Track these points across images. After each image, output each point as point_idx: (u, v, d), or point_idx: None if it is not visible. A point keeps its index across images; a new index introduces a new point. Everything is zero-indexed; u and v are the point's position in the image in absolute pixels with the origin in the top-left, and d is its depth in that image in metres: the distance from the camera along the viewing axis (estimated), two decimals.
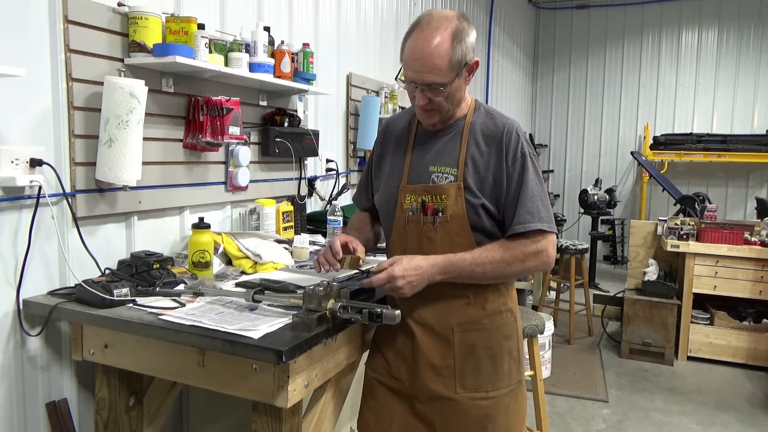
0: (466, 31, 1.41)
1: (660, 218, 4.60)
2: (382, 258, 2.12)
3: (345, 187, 3.14)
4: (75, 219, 1.72)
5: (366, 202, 1.77)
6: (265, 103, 2.54)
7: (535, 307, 4.66)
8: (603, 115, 7.70)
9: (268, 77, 2.24)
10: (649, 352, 4.15)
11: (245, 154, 2.34)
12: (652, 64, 7.40)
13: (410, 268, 1.40)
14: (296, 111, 2.75)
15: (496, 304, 1.54)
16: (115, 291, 1.52)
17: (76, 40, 1.69)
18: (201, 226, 1.86)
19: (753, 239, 4.00)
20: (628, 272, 4.60)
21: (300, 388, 1.39)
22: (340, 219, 2.46)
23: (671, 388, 3.71)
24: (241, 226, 2.45)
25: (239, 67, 2.11)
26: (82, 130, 1.73)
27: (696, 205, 4.78)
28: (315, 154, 2.78)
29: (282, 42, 2.39)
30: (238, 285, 1.73)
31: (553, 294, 5.07)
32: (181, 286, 1.70)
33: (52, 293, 1.63)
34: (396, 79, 1.51)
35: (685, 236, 4.09)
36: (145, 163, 1.83)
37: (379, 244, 2.39)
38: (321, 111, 3.05)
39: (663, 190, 6.15)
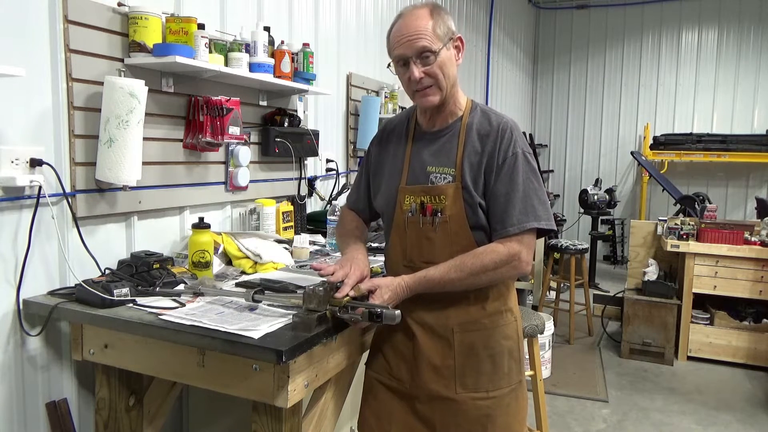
0: (442, 12, 1.49)
1: (660, 218, 4.60)
2: (381, 259, 2.13)
3: (345, 187, 3.13)
4: (75, 219, 1.72)
5: (357, 203, 1.76)
6: (265, 103, 2.54)
7: (535, 307, 4.66)
8: (603, 115, 7.71)
9: (268, 77, 2.24)
10: (649, 352, 4.15)
11: (245, 154, 2.34)
12: (652, 64, 7.40)
13: (386, 295, 1.42)
14: (296, 111, 2.75)
15: (496, 304, 1.54)
16: (115, 291, 1.52)
17: (76, 40, 1.69)
18: (201, 226, 1.86)
19: (753, 239, 4.00)
20: (628, 272, 4.60)
21: (300, 388, 1.39)
22: None
23: (671, 388, 3.71)
24: (241, 226, 2.45)
25: (239, 67, 2.11)
26: (82, 130, 1.73)
27: (696, 205, 4.78)
28: (315, 154, 2.78)
29: (282, 42, 2.39)
30: (238, 285, 1.73)
31: (553, 294, 5.07)
32: (181, 286, 1.70)
33: (52, 293, 1.63)
34: (387, 66, 1.54)
35: (685, 236, 4.09)
36: (145, 163, 1.83)
37: (378, 245, 2.40)
38: (321, 111, 3.05)
39: (663, 190, 6.15)
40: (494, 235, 1.47)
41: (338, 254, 1.90)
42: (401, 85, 1.54)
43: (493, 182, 1.46)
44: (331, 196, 3.04)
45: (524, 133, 1.57)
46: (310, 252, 2.28)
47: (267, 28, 2.31)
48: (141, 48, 1.81)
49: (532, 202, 1.45)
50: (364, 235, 1.74)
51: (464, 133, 1.50)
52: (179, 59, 1.79)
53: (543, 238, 4.77)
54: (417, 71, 1.45)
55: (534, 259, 1.50)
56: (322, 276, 1.48)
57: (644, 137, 7.14)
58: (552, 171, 8.01)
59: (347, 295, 1.40)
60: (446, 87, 1.49)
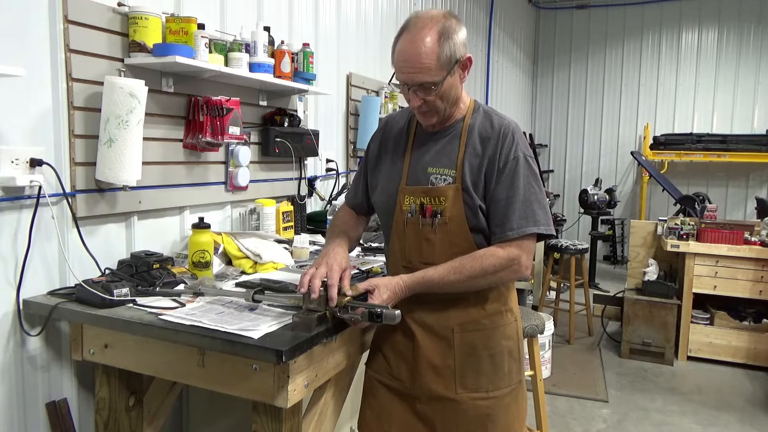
0: (453, 29, 1.41)
1: (660, 218, 4.60)
2: (382, 258, 2.13)
3: (345, 187, 3.13)
4: (75, 219, 1.72)
5: (355, 198, 1.76)
6: (265, 103, 2.54)
7: (535, 307, 4.66)
8: (603, 115, 7.70)
9: (268, 77, 2.24)
10: (649, 352, 4.15)
11: (245, 154, 2.34)
12: (652, 64, 7.40)
13: (385, 295, 1.41)
14: (296, 111, 2.75)
15: (496, 304, 1.54)
16: (115, 291, 1.52)
17: (76, 40, 1.69)
18: (201, 226, 1.86)
19: (753, 239, 4.00)
20: (628, 272, 4.60)
21: (300, 388, 1.39)
22: None
23: (671, 388, 3.71)
24: (241, 226, 2.45)
25: (239, 67, 2.11)
26: (82, 130, 1.73)
27: (696, 205, 4.78)
28: (315, 154, 2.78)
29: (282, 42, 2.39)
30: (238, 285, 1.73)
31: (553, 294, 5.07)
32: (181, 286, 1.70)
33: (52, 293, 1.63)
34: (389, 83, 1.52)
35: (685, 236, 4.09)
36: (145, 163, 1.83)
37: (378, 245, 2.40)
38: (321, 111, 3.05)
39: (663, 190, 6.15)
40: (493, 238, 1.47)
41: None
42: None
43: (494, 186, 1.46)
44: (331, 196, 3.04)
45: (524, 134, 1.56)
46: (310, 252, 2.28)
47: (267, 28, 2.31)
48: (141, 48, 1.81)
49: (533, 206, 1.45)
50: (355, 231, 1.73)
51: (465, 135, 1.50)
52: (179, 59, 1.79)
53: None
54: (416, 100, 1.45)
55: (534, 260, 1.50)
56: (312, 291, 1.41)
57: (644, 137, 7.14)
58: (552, 171, 8.01)
59: (346, 295, 1.40)
60: (446, 110, 1.49)
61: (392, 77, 1.50)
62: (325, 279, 1.42)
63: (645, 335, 4.15)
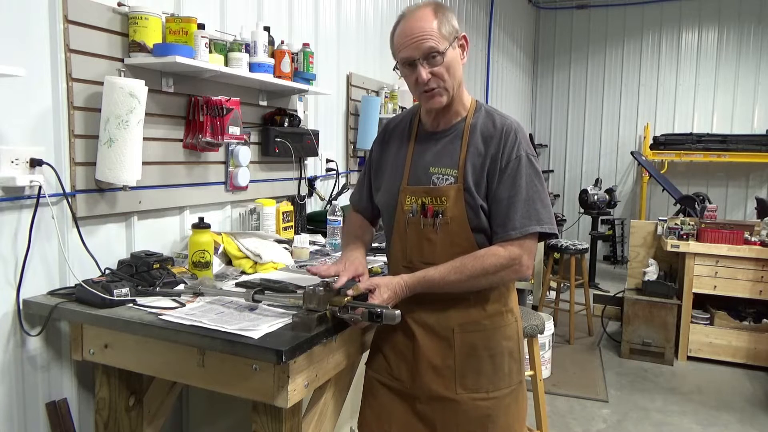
0: (447, 10, 1.48)
1: (660, 218, 4.60)
2: (382, 258, 2.13)
3: (345, 187, 3.14)
4: (75, 219, 1.72)
5: (360, 202, 1.76)
6: (265, 103, 2.54)
7: (535, 307, 4.66)
8: (603, 115, 7.71)
9: (268, 77, 2.24)
10: (649, 352, 4.15)
11: (245, 154, 2.34)
12: (652, 64, 7.40)
13: (385, 295, 1.42)
14: (296, 111, 2.75)
15: (496, 305, 1.54)
16: (115, 291, 1.52)
17: (76, 40, 1.69)
18: (201, 226, 1.86)
19: (753, 239, 4.00)
20: (628, 272, 4.60)
21: (300, 388, 1.39)
22: (340, 219, 2.47)
23: (671, 388, 3.71)
24: (241, 226, 2.45)
25: (239, 67, 2.11)
26: (82, 130, 1.73)
27: (696, 205, 4.78)
28: (315, 154, 2.78)
29: (282, 42, 2.39)
30: (238, 285, 1.73)
31: (553, 294, 5.07)
32: (181, 286, 1.70)
33: (52, 293, 1.63)
34: (393, 69, 1.52)
35: (685, 236, 4.09)
36: (145, 163, 1.83)
37: (378, 245, 2.40)
38: (321, 111, 3.05)
39: (663, 190, 6.15)
40: (495, 238, 1.47)
41: (338, 254, 1.91)
42: (407, 86, 1.53)
43: (496, 185, 1.46)
44: (331, 196, 3.04)
45: None
46: (310, 252, 2.28)
47: (267, 28, 2.31)
48: (141, 48, 1.81)
49: (535, 205, 1.45)
50: (367, 236, 1.74)
51: (468, 134, 1.50)
52: (179, 59, 1.79)
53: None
54: (424, 73, 1.44)
55: (534, 260, 1.50)
56: (321, 277, 1.49)
57: (644, 137, 7.14)
58: (552, 171, 8.01)
59: (346, 295, 1.40)
60: (453, 87, 1.48)
61: (395, 67, 1.50)
62: (330, 280, 1.43)
63: (645, 335, 4.15)
